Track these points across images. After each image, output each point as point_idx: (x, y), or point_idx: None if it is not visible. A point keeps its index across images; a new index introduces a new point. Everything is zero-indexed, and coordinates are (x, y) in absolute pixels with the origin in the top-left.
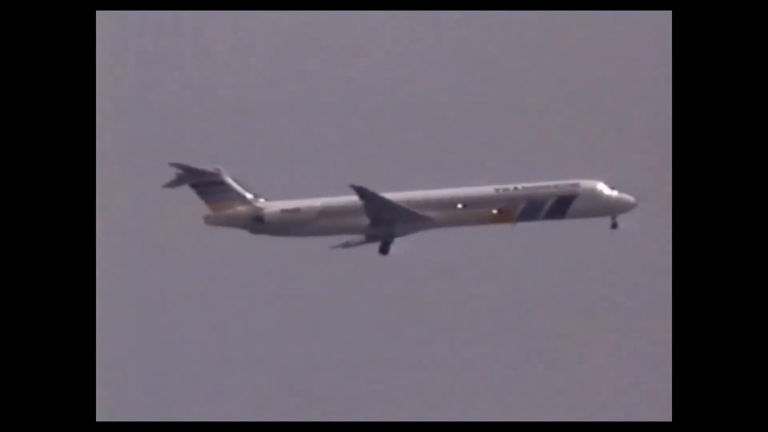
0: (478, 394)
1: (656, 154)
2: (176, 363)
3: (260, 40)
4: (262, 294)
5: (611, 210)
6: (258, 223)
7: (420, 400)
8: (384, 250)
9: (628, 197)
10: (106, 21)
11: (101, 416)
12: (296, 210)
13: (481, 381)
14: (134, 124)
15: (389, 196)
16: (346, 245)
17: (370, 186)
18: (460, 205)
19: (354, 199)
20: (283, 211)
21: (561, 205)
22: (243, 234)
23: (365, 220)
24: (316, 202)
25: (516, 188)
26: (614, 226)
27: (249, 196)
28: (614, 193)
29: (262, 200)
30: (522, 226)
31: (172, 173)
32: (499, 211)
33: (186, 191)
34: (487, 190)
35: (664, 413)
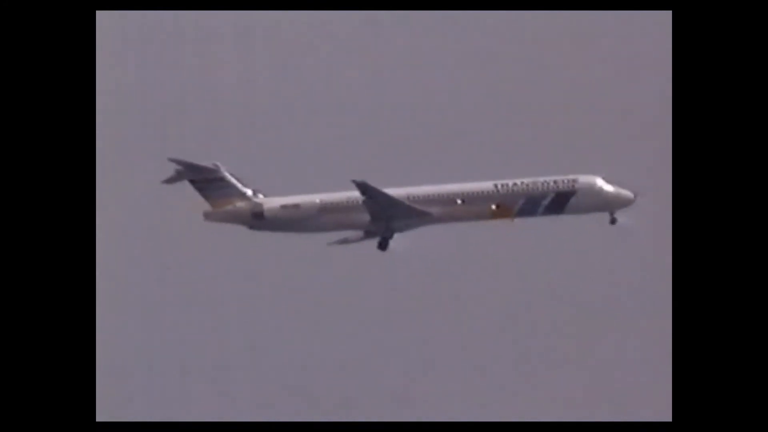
0: (477, 393)
1: (656, 151)
2: (176, 362)
3: (259, 38)
4: (262, 291)
5: (610, 205)
6: (258, 220)
7: (418, 399)
8: (383, 245)
9: (627, 192)
10: (106, 21)
11: (101, 416)
12: (296, 206)
13: (479, 380)
14: (134, 122)
15: (388, 191)
16: (344, 241)
17: (370, 181)
18: (459, 201)
19: (354, 194)
20: (283, 207)
21: (560, 201)
22: (242, 230)
23: (365, 216)
24: (316, 198)
25: (515, 184)
26: (613, 221)
27: (248, 192)
28: (613, 189)
29: (261, 196)
30: (521, 221)
31: (171, 169)
32: (498, 207)
33: (185, 187)
34: (486, 185)
35: (664, 413)
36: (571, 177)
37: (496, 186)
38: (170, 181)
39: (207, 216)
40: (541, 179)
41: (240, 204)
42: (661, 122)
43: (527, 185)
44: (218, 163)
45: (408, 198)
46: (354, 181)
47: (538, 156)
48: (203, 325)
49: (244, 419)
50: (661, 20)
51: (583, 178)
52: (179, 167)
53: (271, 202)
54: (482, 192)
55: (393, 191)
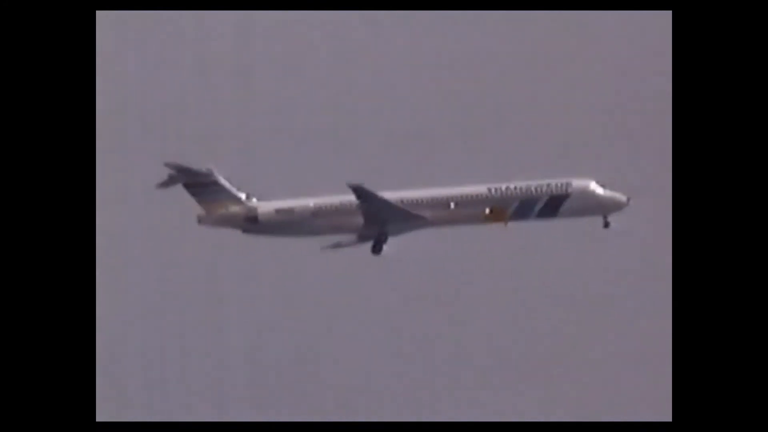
0: (475, 394)
1: (656, 153)
2: (174, 363)
3: (257, 40)
4: (256, 294)
5: (603, 209)
6: (251, 223)
7: (412, 400)
8: (377, 249)
9: (620, 196)
10: (106, 21)
11: (101, 416)
12: (290, 210)
13: (477, 381)
14: (134, 124)
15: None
16: (338, 245)
17: (364, 185)
18: (453, 205)
19: (348, 198)
20: (278, 211)
21: (553, 205)
22: (236, 234)
23: (360, 220)
24: (310, 202)
25: (508, 188)
26: (606, 225)
27: (241, 196)
28: (606, 192)
29: (254, 200)
30: (514, 225)
31: (166, 173)
32: (492, 211)
33: (180, 191)
34: (480, 189)
35: (664, 413)
36: (564, 180)
37: (489, 190)
38: (164, 185)
39: (201, 220)
40: (535, 183)
41: (234, 208)
42: (661, 123)
43: (521, 189)
44: (211, 168)
45: (402, 202)
46: (349, 184)
47: (537, 157)
48: (198, 328)
49: (244, 419)
50: (661, 20)
51: (577, 182)
52: (172, 171)
53: (265, 206)
54: (476, 196)
55: (387, 195)
